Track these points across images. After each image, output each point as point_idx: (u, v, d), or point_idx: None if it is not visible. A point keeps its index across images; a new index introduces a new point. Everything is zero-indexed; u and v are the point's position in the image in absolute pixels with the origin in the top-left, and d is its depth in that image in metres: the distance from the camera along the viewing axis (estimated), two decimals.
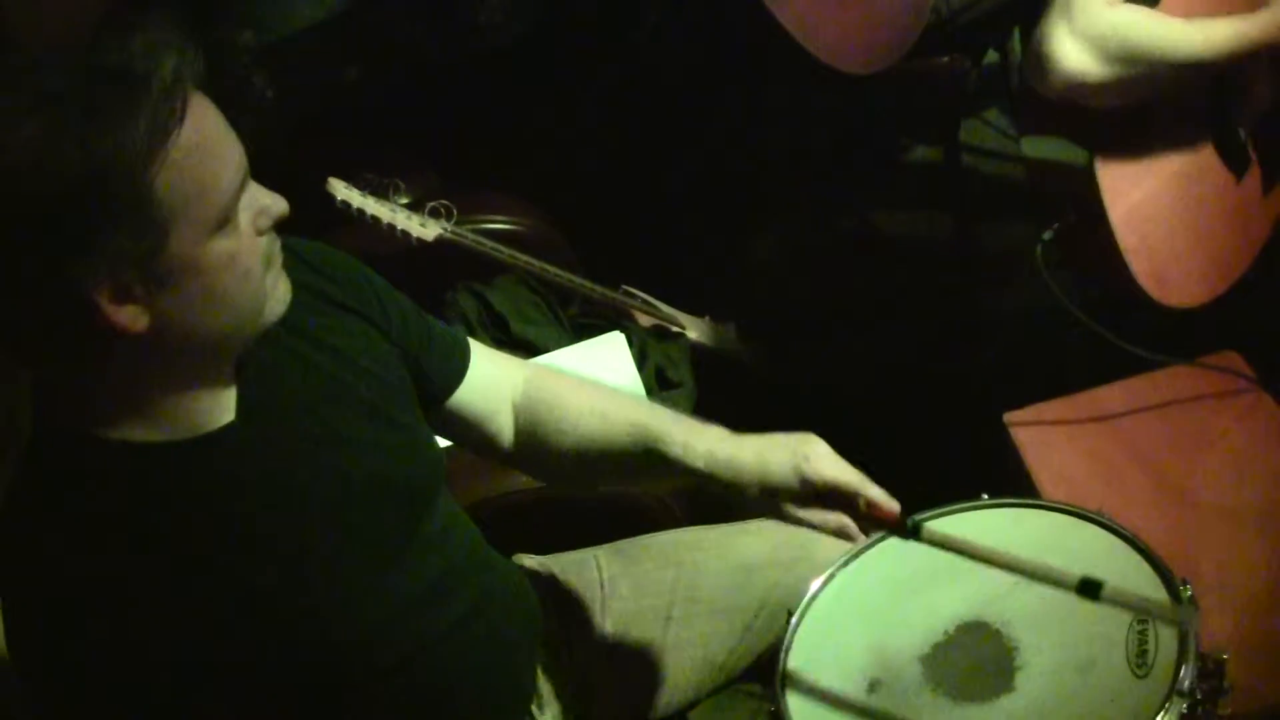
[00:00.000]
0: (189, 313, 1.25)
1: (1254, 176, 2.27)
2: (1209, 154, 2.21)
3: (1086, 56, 1.96)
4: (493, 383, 1.72)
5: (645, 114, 3.43)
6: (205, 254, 1.24)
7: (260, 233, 1.31)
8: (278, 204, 1.32)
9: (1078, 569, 1.38)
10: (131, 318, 1.21)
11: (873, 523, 1.53)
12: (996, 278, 3.29)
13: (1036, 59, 1.99)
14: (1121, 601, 1.37)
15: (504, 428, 1.74)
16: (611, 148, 3.38)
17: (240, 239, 1.27)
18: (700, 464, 1.57)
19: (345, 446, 1.47)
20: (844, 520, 1.53)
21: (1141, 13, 1.99)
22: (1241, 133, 2.23)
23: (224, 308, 1.28)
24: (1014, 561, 1.44)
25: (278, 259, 1.35)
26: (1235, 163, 2.23)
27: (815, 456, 1.52)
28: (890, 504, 1.51)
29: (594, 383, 1.80)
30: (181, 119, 1.20)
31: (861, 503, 1.51)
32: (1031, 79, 2.02)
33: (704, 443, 1.59)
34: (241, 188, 1.27)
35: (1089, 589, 1.35)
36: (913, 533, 1.50)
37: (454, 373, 1.68)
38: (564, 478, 1.79)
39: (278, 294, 1.35)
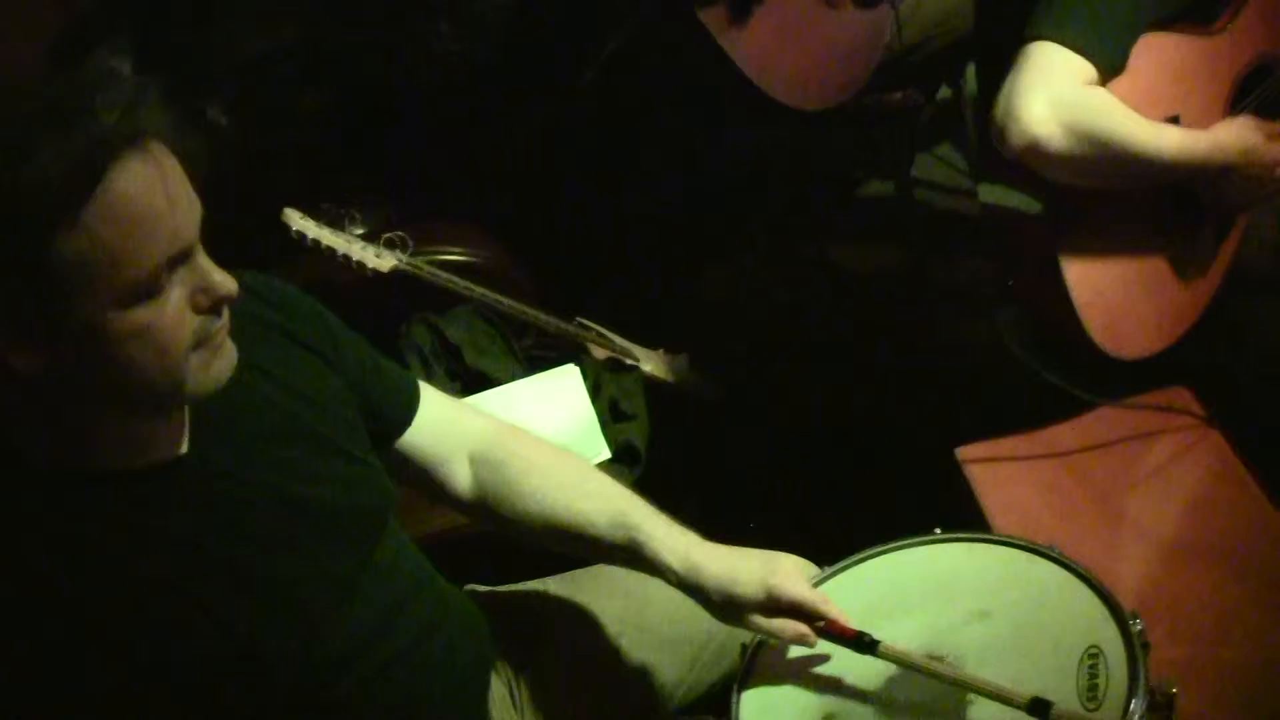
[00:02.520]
0: (89, 373, 1.21)
1: (1206, 228, 2.29)
2: (1164, 207, 2.24)
3: (1055, 127, 1.97)
4: (445, 429, 1.72)
5: (601, 146, 3.43)
6: (113, 323, 1.18)
7: (199, 310, 1.25)
8: (225, 285, 1.26)
9: (1030, 603, 1.39)
10: (24, 360, 1.17)
11: (830, 637, 1.58)
12: (951, 312, 3.32)
13: (1004, 117, 2.00)
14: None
15: (456, 476, 1.74)
16: (567, 179, 3.38)
17: (164, 313, 1.21)
18: (675, 564, 1.62)
19: (300, 478, 1.46)
20: (802, 629, 1.58)
21: (1112, 100, 2.02)
22: (1195, 195, 2.26)
23: (130, 378, 1.22)
24: (968, 681, 1.46)
25: (218, 338, 1.29)
26: (1188, 215, 2.26)
27: (782, 573, 1.58)
28: (848, 622, 1.57)
29: (568, 452, 1.82)
30: (98, 181, 1.14)
31: (821, 623, 1.58)
32: (994, 135, 2.03)
33: (681, 544, 1.63)
34: (177, 261, 1.22)
35: (1038, 708, 1.38)
36: (869, 648, 1.54)
37: (403, 413, 1.68)
38: (519, 536, 1.79)
39: (209, 372, 1.29)
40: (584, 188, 3.40)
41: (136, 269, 1.17)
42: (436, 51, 3.40)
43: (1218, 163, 2.13)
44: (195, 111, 1.33)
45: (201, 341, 1.26)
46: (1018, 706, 1.39)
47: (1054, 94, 1.98)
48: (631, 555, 1.65)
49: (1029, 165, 2.03)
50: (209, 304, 1.26)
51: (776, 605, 1.57)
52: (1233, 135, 2.15)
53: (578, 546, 1.73)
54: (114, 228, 1.15)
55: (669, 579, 1.63)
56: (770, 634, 1.60)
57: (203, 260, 1.25)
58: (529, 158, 3.35)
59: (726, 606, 1.60)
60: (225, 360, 1.31)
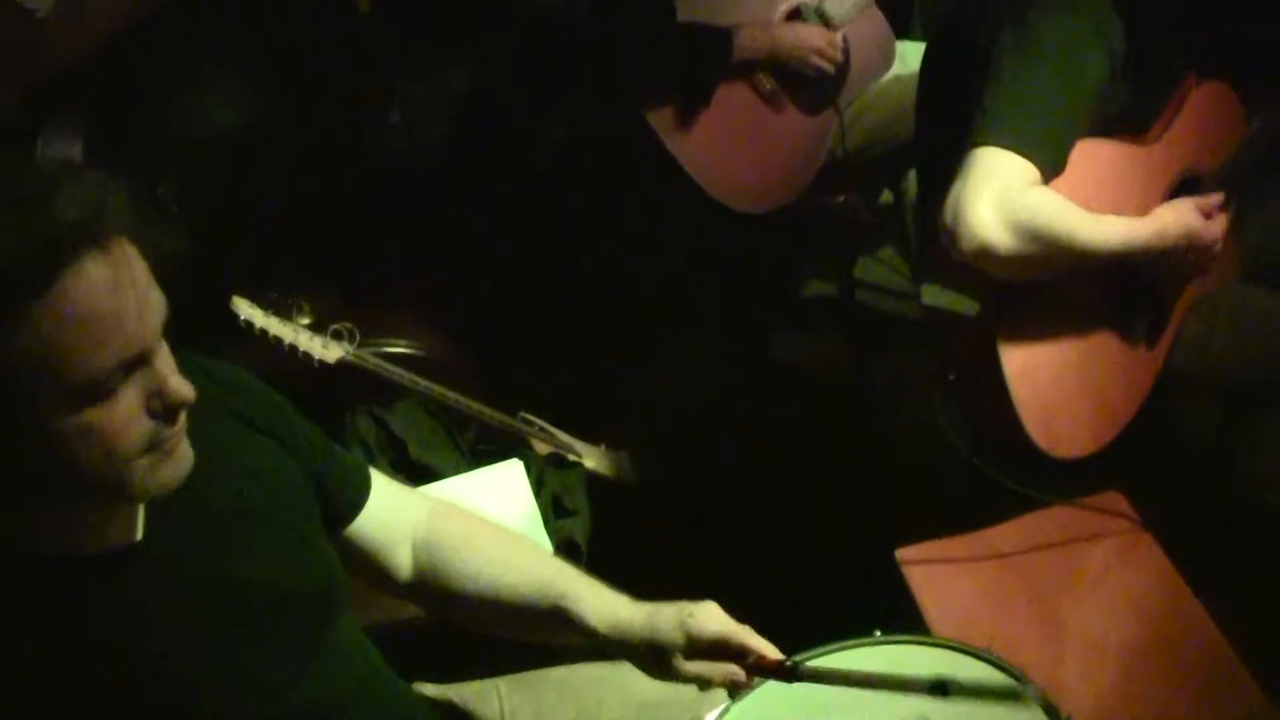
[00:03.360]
0: (34, 464, 1.19)
1: (1139, 330, 2.35)
2: (1100, 309, 2.29)
3: (1003, 230, 2.01)
4: (393, 515, 1.72)
5: (547, 238, 3.46)
6: (59, 422, 1.16)
7: (152, 414, 1.23)
8: (181, 391, 1.24)
9: (968, 706, 1.41)
10: None
11: (758, 671, 1.58)
12: (890, 411, 3.35)
13: (953, 223, 2.04)
14: (972, 691, 1.43)
15: (402, 561, 1.74)
16: (512, 272, 3.41)
17: (114, 416, 1.19)
18: (600, 625, 1.61)
19: (253, 562, 1.46)
20: (731, 670, 1.58)
21: (1056, 198, 2.07)
22: (1130, 298, 2.32)
23: (75, 474, 1.20)
24: (874, 678, 1.49)
25: (171, 443, 1.26)
26: (1123, 318, 2.32)
27: (700, 613, 1.58)
28: (773, 652, 1.57)
29: (501, 528, 1.81)
30: (52, 281, 1.11)
31: (750, 656, 1.57)
32: (943, 240, 2.07)
33: (608, 606, 1.63)
34: (133, 365, 1.19)
35: (939, 689, 1.43)
36: (793, 674, 1.55)
37: (354, 500, 1.68)
38: (460, 618, 1.78)
39: (157, 476, 1.26)
40: (530, 281, 3.42)
41: (86, 371, 1.15)
42: (388, 140, 3.43)
43: (1161, 247, 2.20)
44: (160, 208, 1.29)
45: (153, 446, 1.24)
46: (919, 691, 1.44)
47: (999, 196, 2.02)
48: (558, 622, 1.64)
49: (979, 267, 2.07)
50: (164, 409, 1.23)
51: (699, 645, 1.56)
52: (1173, 219, 2.21)
53: (513, 623, 1.72)
54: (64, 329, 1.13)
55: (596, 641, 1.62)
56: (701, 678, 1.58)
57: (162, 364, 1.23)
58: (475, 248, 3.37)
59: (652, 657, 1.59)
60: (177, 466, 1.28)
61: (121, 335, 1.17)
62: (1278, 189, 2.60)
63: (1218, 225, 2.27)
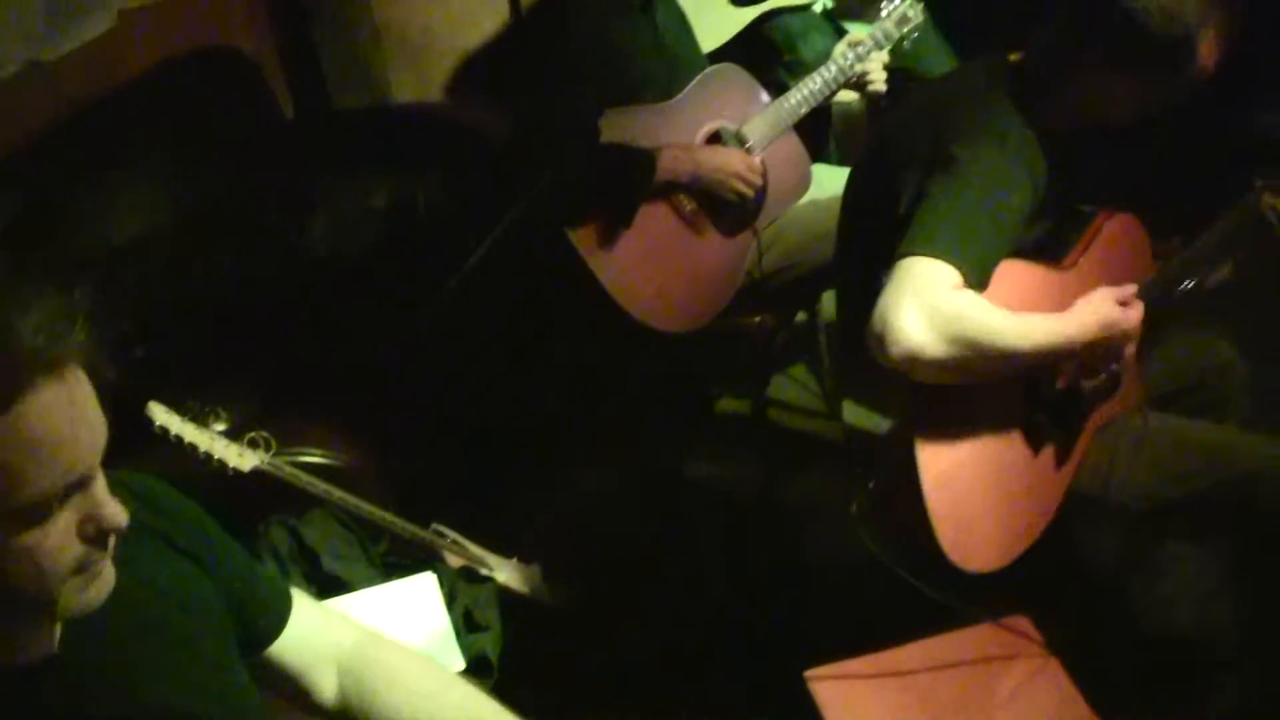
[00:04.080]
0: None
1: (1050, 450, 2.40)
2: (1015, 427, 2.35)
3: (930, 334, 2.06)
4: (315, 639, 1.71)
5: (466, 351, 3.48)
6: None
7: (84, 538, 1.23)
8: (116, 518, 1.24)
9: None
10: None
11: None
12: (803, 528, 3.38)
13: (881, 329, 2.09)
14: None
15: (321, 684, 1.73)
16: (429, 384, 3.41)
17: (48, 538, 1.19)
18: None
19: (166, 684, 1.44)
20: None
21: (980, 300, 2.13)
22: (1043, 417, 2.38)
23: (1, 589, 1.20)
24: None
25: (98, 566, 1.26)
26: (1036, 437, 2.37)
27: None
28: None
29: (429, 662, 1.81)
30: (10, 403, 1.12)
31: None
32: (871, 347, 2.11)
33: None
34: (73, 488, 1.20)
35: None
36: None
37: (274, 622, 1.67)
38: None
39: (83, 597, 1.26)
40: (447, 393, 3.43)
41: (31, 494, 1.15)
42: (306, 251, 3.44)
43: (1082, 341, 2.26)
44: (64, 295, 1.27)
45: (82, 568, 1.24)
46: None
47: (926, 302, 2.08)
48: None
49: (906, 372, 2.12)
50: (96, 532, 1.23)
51: None
52: (1091, 311, 2.28)
53: None
54: (15, 452, 1.13)
55: None
56: None
57: (98, 489, 1.23)
58: (394, 360, 3.37)
59: None
60: (101, 587, 1.28)
61: (70, 459, 1.17)
62: (1178, 316, 2.68)
63: (1135, 312, 2.33)
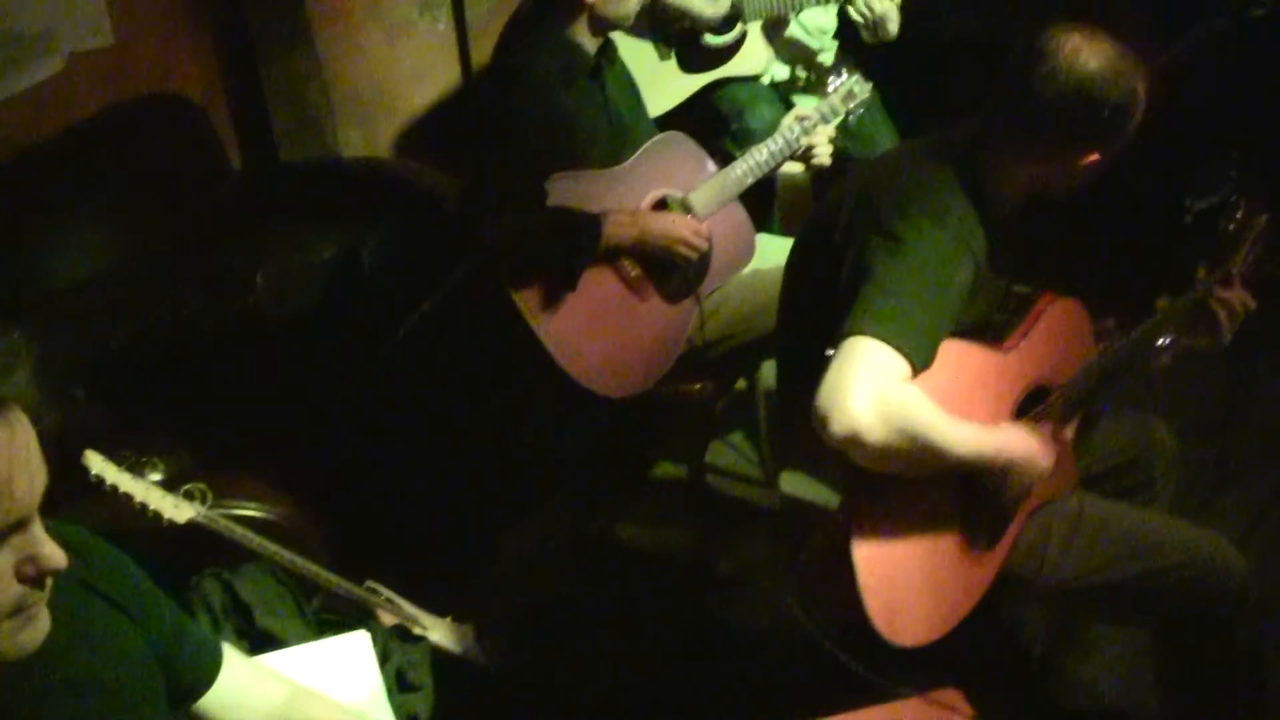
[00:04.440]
0: None
1: (983, 532, 2.43)
2: (949, 509, 2.37)
3: (875, 419, 2.09)
4: (244, 693, 1.71)
5: (406, 410, 3.47)
6: None
7: (21, 579, 1.23)
8: (54, 559, 1.24)
9: None
10: None
11: None
12: (734, 596, 3.39)
13: (826, 408, 2.10)
14: None
15: None
16: (367, 441, 3.40)
17: None
18: None
19: None
20: None
21: (924, 397, 2.16)
22: (977, 503, 2.41)
23: None
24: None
25: (34, 608, 1.26)
26: (969, 520, 2.40)
27: None
28: None
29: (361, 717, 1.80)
30: None
31: None
32: (814, 424, 2.13)
33: None
34: (11, 530, 1.20)
35: None
36: None
37: (204, 676, 1.66)
38: None
39: (16, 640, 1.26)
40: (382, 448, 3.42)
41: None
42: (250, 302, 3.43)
43: (1001, 462, 2.29)
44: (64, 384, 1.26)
45: (18, 610, 1.24)
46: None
47: (876, 390, 2.10)
48: None
49: (845, 452, 2.13)
50: (34, 574, 1.23)
51: None
52: (1015, 439, 2.32)
53: None
54: None
55: None
56: None
57: (37, 530, 1.23)
58: (333, 415, 3.36)
59: None
60: (35, 630, 1.28)
61: (10, 501, 1.17)
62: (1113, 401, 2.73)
63: (1053, 456, 2.38)
